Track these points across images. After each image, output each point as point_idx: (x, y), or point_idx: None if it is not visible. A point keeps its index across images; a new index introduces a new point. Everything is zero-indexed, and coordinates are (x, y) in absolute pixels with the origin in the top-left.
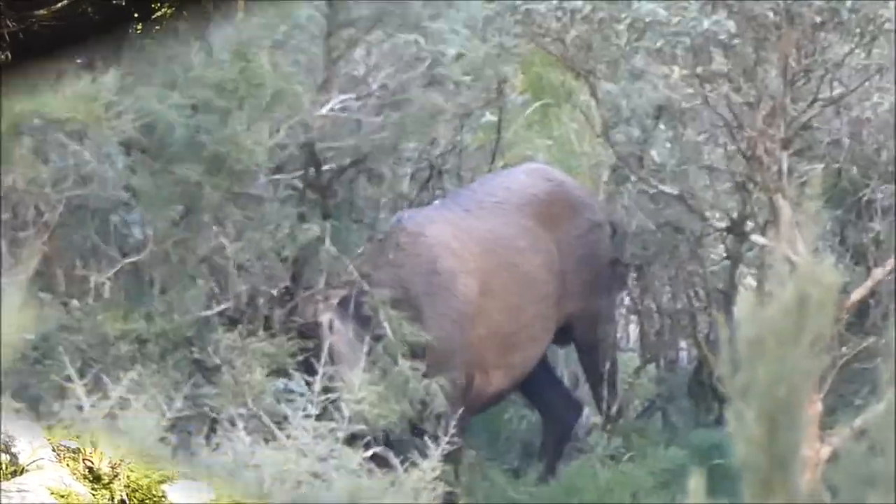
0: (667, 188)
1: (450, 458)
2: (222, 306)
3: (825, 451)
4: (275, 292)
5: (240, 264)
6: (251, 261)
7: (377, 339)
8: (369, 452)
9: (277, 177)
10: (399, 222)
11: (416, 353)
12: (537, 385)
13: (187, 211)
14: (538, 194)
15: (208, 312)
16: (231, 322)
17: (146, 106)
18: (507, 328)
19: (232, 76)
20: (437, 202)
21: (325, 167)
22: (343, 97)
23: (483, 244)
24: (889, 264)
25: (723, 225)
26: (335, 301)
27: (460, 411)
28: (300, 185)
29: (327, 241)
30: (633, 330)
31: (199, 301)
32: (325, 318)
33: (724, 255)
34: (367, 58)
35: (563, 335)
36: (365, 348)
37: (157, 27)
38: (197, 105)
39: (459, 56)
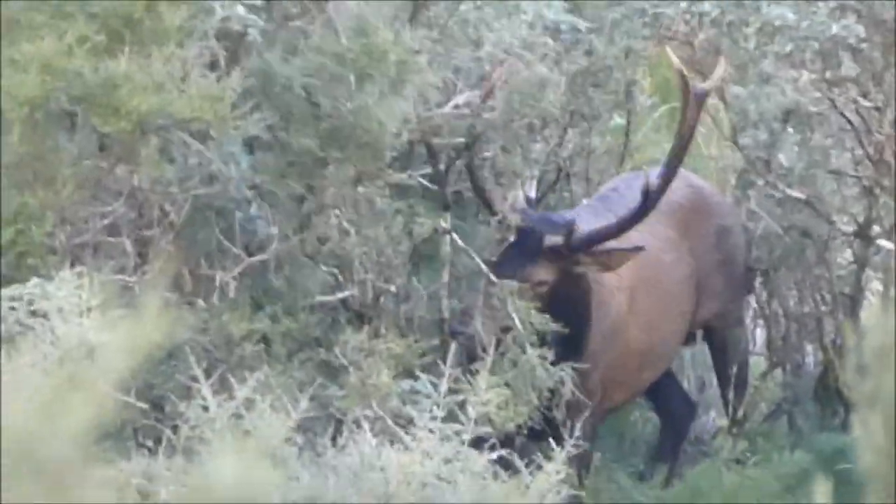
0: (794, 192)
1: (576, 460)
2: (346, 293)
3: None
4: (393, 288)
5: (360, 256)
6: (369, 254)
7: (505, 330)
8: (494, 455)
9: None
10: (568, 221)
11: (544, 341)
12: (655, 386)
13: (309, 192)
14: (680, 201)
15: (330, 298)
16: (357, 318)
17: (268, 69)
18: (645, 347)
19: (353, 47)
20: (585, 202)
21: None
22: (468, 93)
23: (635, 259)
24: None
25: (850, 229)
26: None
27: (586, 415)
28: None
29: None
30: (760, 334)
31: (321, 287)
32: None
33: (851, 259)
34: (490, 55)
35: (694, 337)
36: (492, 344)
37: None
38: (318, 73)
39: (588, 56)
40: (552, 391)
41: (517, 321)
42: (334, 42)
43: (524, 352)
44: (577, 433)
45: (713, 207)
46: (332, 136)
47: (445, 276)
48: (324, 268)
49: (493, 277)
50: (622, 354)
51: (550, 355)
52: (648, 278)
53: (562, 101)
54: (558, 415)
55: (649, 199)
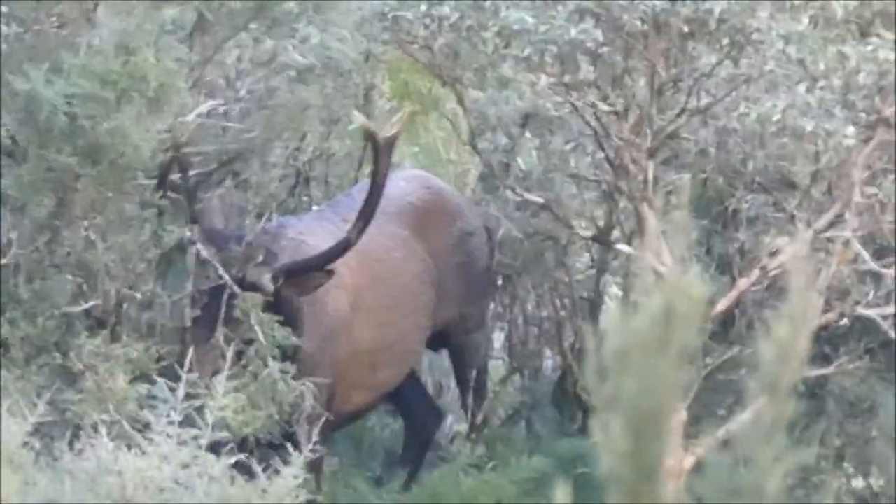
0: (533, 196)
1: (312, 466)
2: (90, 303)
3: (689, 461)
4: (139, 295)
5: (106, 265)
6: (116, 262)
7: (248, 342)
8: (232, 459)
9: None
10: (281, 227)
11: (286, 356)
12: (400, 391)
13: (58, 204)
14: (415, 202)
15: (75, 308)
16: (99, 324)
17: (30, 90)
18: (376, 345)
19: (116, 68)
20: (315, 208)
21: (192, 172)
22: (212, 102)
23: (359, 257)
24: (753, 275)
25: (589, 234)
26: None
27: (324, 420)
28: (163, 187)
29: (196, 244)
30: (500, 338)
31: (65, 296)
32: (190, 322)
33: (591, 263)
34: (238, 63)
35: (436, 341)
36: (230, 352)
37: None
38: (80, 94)
39: (328, 61)
40: (292, 405)
41: (260, 334)
42: (98, 62)
43: (266, 365)
44: (314, 438)
45: (452, 209)
46: (88, 153)
47: (189, 286)
48: (69, 276)
49: (236, 289)
50: (350, 354)
51: (293, 369)
52: (376, 276)
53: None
54: (298, 429)
55: (343, 247)
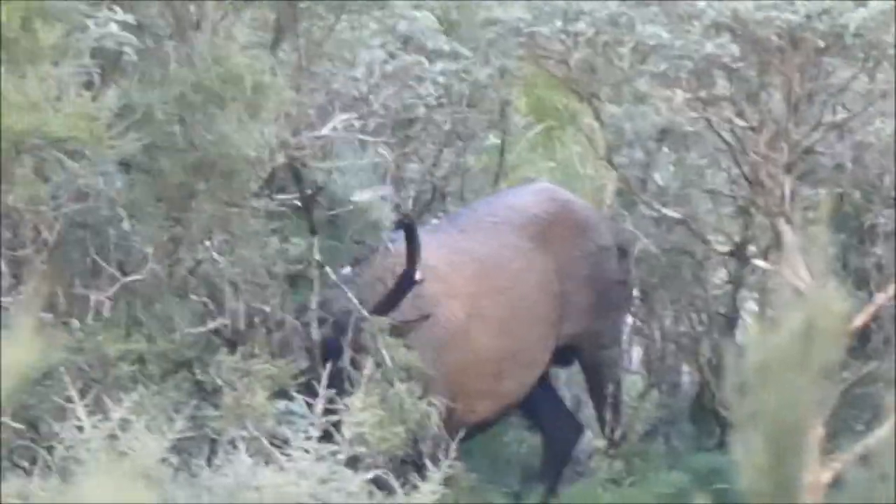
0: (670, 212)
1: (449, 481)
2: (217, 323)
3: (828, 477)
4: (268, 309)
5: (232, 281)
6: (243, 276)
7: (377, 364)
8: (370, 475)
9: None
10: (387, 244)
11: (411, 376)
12: (538, 406)
13: (177, 222)
14: (540, 214)
15: (201, 329)
16: (229, 343)
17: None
18: (498, 354)
19: (209, 74)
20: (434, 221)
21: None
22: (345, 116)
23: (476, 266)
24: (890, 289)
25: (725, 249)
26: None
27: (461, 435)
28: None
29: (315, 256)
30: (637, 353)
31: (190, 318)
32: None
33: (727, 279)
34: (369, 77)
35: (566, 356)
36: (365, 371)
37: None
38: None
39: (462, 79)
40: (418, 424)
41: (386, 357)
42: (190, 70)
43: (392, 385)
44: (451, 454)
45: (580, 223)
46: (197, 166)
47: (314, 305)
48: (194, 297)
49: (364, 313)
50: (470, 363)
51: (418, 389)
52: (495, 285)
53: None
54: (424, 448)
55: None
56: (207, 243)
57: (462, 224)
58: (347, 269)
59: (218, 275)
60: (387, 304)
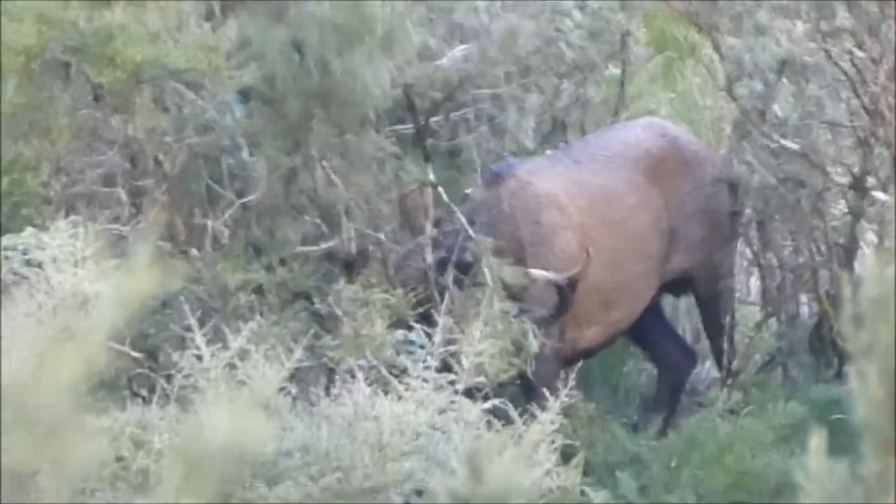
0: (789, 143)
1: (568, 411)
2: (332, 244)
3: None
4: (383, 236)
5: (347, 207)
6: (357, 202)
7: (478, 285)
8: (488, 405)
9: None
10: (509, 168)
11: (514, 298)
12: (651, 335)
13: (294, 148)
14: (651, 149)
15: (314, 249)
16: (345, 266)
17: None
18: (607, 285)
19: (343, 13)
20: (548, 152)
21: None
22: (463, 47)
23: (590, 198)
24: None
25: (845, 180)
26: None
27: (577, 366)
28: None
29: (434, 188)
30: (755, 284)
31: (306, 238)
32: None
33: (846, 210)
34: (490, 7)
35: (681, 287)
36: (478, 298)
37: None
38: (307, 40)
39: (582, 7)
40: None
41: (489, 277)
42: (321, 10)
43: (492, 305)
44: (570, 383)
45: (689, 157)
46: (318, 95)
47: (429, 229)
48: (307, 218)
49: (470, 233)
50: (581, 291)
51: (514, 310)
52: (607, 218)
53: (555, 52)
54: (528, 368)
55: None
56: (323, 168)
57: (576, 156)
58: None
59: (333, 199)
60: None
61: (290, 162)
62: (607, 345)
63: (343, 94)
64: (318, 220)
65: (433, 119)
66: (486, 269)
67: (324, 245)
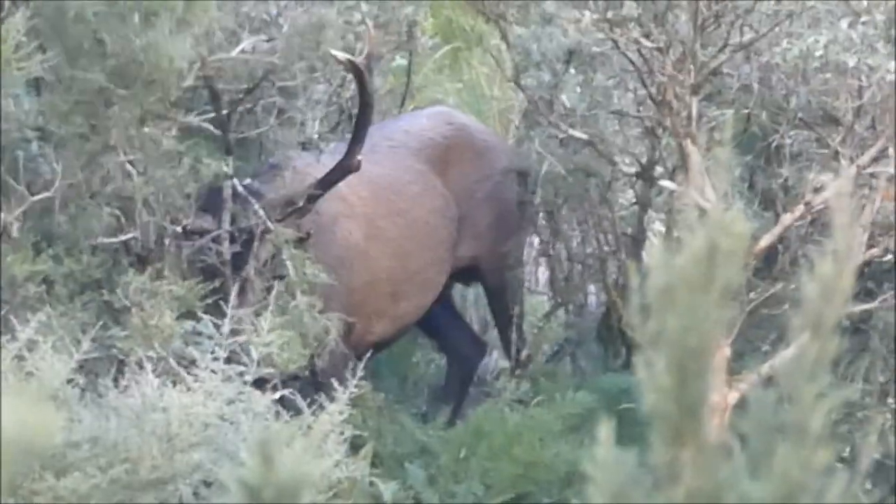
0: (577, 133)
1: (356, 401)
2: (128, 235)
3: (733, 398)
4: (179, 229)
5: (145, 199)
6: (155, 195)
7: (279, 277)
8: (277, 395)
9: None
10: (287, 161)
11: (313, 290)
12: (441, 326)
13: (93, 131)
14: (436, 138)
15: (114, 240)
16: (139, 260)
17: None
18: (394, 275)
19: None
20: (333, 144)
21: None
22: (254, 38)
23: (372, 189)
24: (797, 210)
25: (632, 170)
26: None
27: (367, 355)
28: (200, 122)
29: (231, 179)
30: (543, 274)
31: (105, 229)
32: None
33: (634, 200)
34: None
35: (469, 276)
36: (262, 286)
37: None
38: (104, 13)
39: None
40: (316, 338)
41: (291, 269)
42: None
43: (293, 298)
44: (359, 373)
45: (478, 145)
46: (119, 72)
47: (227, 221)
48: (107, 209)
49: (269, 225)
50: (368, 283)
51: (319, 303)
52: (392, 208)
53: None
54: (320, 362)
55: (340, 172)
56: (121, 158)
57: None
58: (250, 182)
59: (131, 191)
60: (322, 185)
61: (87, 149)
62: (397, 337)
63: (145, 72)
64: (116, 212)
65: (234, 109)
66: (287, 262)
67: (122, 237)
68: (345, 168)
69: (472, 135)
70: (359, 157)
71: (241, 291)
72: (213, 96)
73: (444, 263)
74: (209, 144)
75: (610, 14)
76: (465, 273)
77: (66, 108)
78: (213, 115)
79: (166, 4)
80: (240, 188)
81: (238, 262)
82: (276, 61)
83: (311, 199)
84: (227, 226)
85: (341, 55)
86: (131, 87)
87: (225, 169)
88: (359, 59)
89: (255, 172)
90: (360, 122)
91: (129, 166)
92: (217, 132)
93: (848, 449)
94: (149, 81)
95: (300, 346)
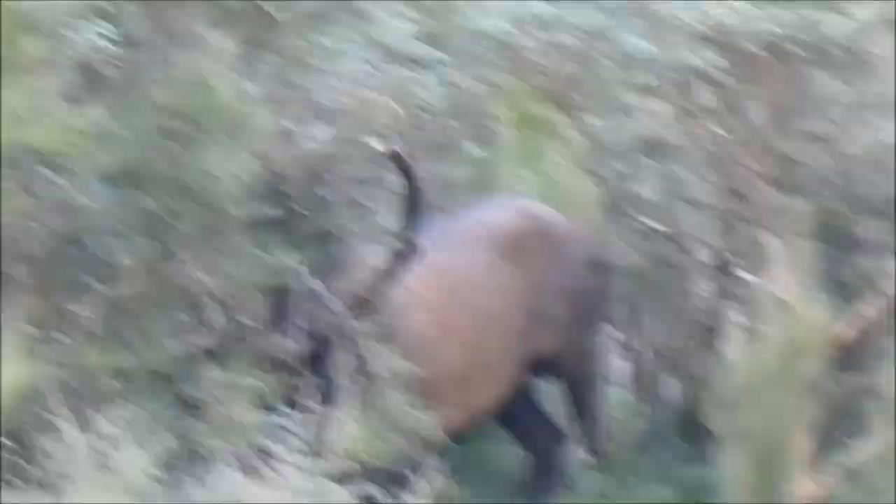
0: (654, 223)
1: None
2: (202, 341)
3: (814, 492)
4: (252, 323)
5: (218, 297)
6: (228, 292)
7: (367, 374)
8: (358, 490)
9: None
10: (354, 254)
11: (398, 382)
12: (519, 419)
13: (161, 243)
14: (509, 228)
15: (181, 342)
16: (215, 358)
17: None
18: (461, 367)
19: (193, 103)
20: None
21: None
22: (326, 129)
23: (442, 279)
24: (877, 302)
25: (710, 261)
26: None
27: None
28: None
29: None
30: (624, 366)
31: (172, 332)
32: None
33: (713, 291)
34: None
35: (548, 370)
36: (348, 382)
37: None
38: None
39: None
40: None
41: (375, 363)
42: (170, 97)
43: (379, 393)
44: (439, 467)
45: (552, 237)
46: (175, 194)
47: (297, 318)
48: (176, 311)
49: (351, 322)
50: (436, 374)
51: (407, 396)
52: (460, 297)
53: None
54: (414, 455)
55: (402, 257)
56: (189, 259)
57: (431, 236)
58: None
59: (201, 290)
60: (383, 277)
61: (152, 253)
62: (473, 429)
63: (204, 194)
64: (185, 313)
65: (299, 202)
66: (377, 358)
67: (190, 338)
68: (401, 258)
69: (547, 225)
70: (416, 245)
71: (324, 387)
72: (276, 190)
73: (518, 354)
74: (279, 237)
75: (686, 104)
76: (545, 366)
77: (134, 212)
78: (280, 210)
79: (217, 123)
80: (313, 286)
81: (316, 357)
82: (333, 150)
83: (376, 291)
84: (300, 322)
85: (378, 144)
86: (187, 206)
87: (294, 262)
88: (395, 148)
89: (324, 265)
90: (409, 210)
91: (194, 269)
92: (285, 224)
93: None
94: (203, 203)
95: (384, 435)
